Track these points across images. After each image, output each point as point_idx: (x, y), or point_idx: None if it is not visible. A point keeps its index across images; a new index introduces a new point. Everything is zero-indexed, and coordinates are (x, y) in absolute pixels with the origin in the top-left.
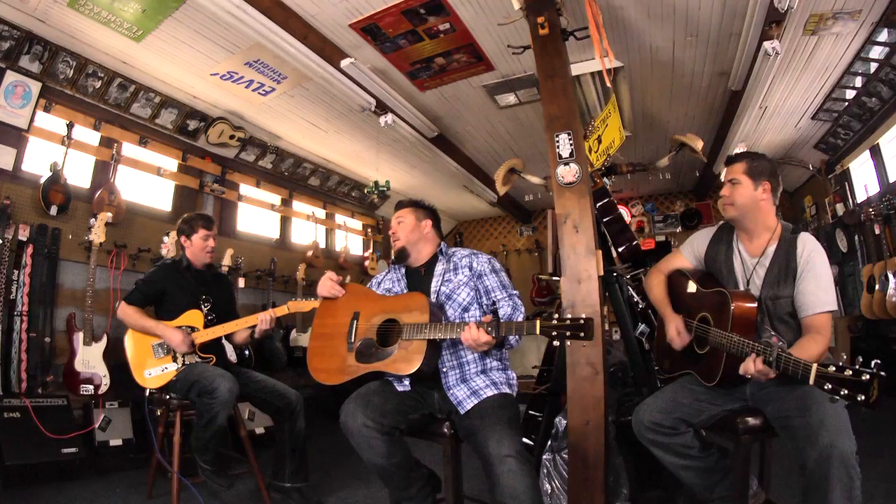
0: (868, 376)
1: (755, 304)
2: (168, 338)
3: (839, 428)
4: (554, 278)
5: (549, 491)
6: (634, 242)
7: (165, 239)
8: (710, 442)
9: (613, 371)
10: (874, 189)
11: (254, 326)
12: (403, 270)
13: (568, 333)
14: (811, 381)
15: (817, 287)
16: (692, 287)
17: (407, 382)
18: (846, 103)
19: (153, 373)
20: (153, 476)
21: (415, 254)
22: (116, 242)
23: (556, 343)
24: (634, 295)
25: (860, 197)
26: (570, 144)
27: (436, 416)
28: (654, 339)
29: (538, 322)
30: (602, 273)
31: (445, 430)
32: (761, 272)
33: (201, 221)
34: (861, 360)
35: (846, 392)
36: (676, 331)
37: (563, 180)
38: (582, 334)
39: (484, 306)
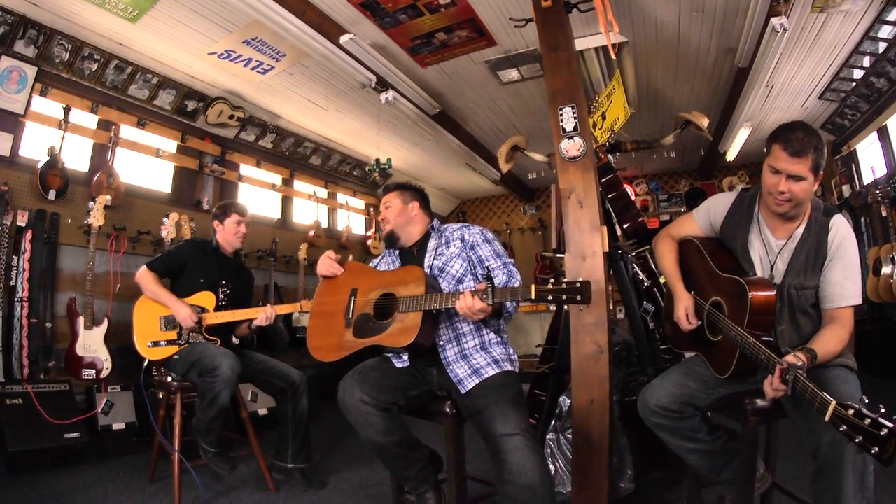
0: (886, 431)
1: (774, 294)
2: (176, 310)
3: None
4: (558, 255)
5: (553, 472)
6: (640, 219)
7: (165, 220)
8: (717, 424)
9: (618, 350)
10: (881, 171)
11: (251, 321)
12: (398, 252)
13: (564, 297)
14: (827, 418)
15: (845, 278)
16: (703, 261)
17: (405, 358)
18: (854, 83)
19: (156, 344)
20: (155, 459)
21: (405, 236)
22: (116, 225)
23: (552, 307)
24: (640, 273)
25: (867, 179)
26: (574, 118)
27: (436, 394)
28: (659, 317)
29: (533, 287)
30: (607, 250)
31: (447, 409)
32: (786, 256)
33: (235, 207)
34: (883, 410)
35: (860, 440)
36: (685, 312)
37: (566, 154)
38: (579, 297)
39: (479, 277)
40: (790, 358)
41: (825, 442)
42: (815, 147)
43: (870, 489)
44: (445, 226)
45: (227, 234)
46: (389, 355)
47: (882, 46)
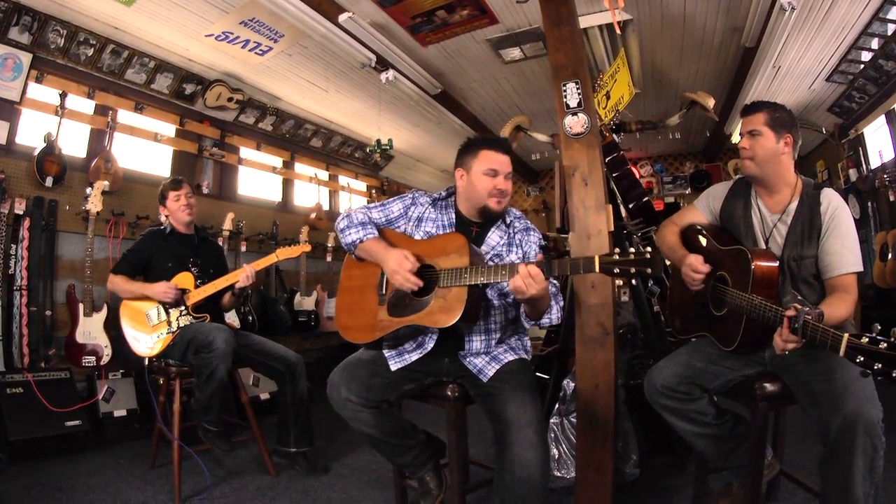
0: None
1: (776, 264)
2: (153, 292)
3: (865, 394)
4: (562, 236)
5: (557, 456)
6: (645, 199)
7: None
8: (725, 409)
9: (623, 333)
10: (889, 155)
11: (233, 285)
12: (454, 217)
13: (633, 270)
14: (841, 353)
15: (843, 246)
16: (706, 241)
17: (409, 357)
18: (862, 66)
19: (150, 342)
20: (156, 446)
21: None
22: (114, 211)
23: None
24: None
25: (874, 163)
26: (578, 94)
27: (441, 380)
28: (664, 299)
29: (597, 258)
30: (612, 229)
31: (450, 392)
32: (783, 230)
33: (169, 185)
34: None
35: (880, 366)
36: (696, 259)
37: (570, 131)
38: (649, 270)
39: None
40: (797, 305)
41: (835, 427)
42: (769, 106)
43: (879, 474)
44: (513, 215)
45: (174, 213)
46: (386, 352)
47: (891, 28)
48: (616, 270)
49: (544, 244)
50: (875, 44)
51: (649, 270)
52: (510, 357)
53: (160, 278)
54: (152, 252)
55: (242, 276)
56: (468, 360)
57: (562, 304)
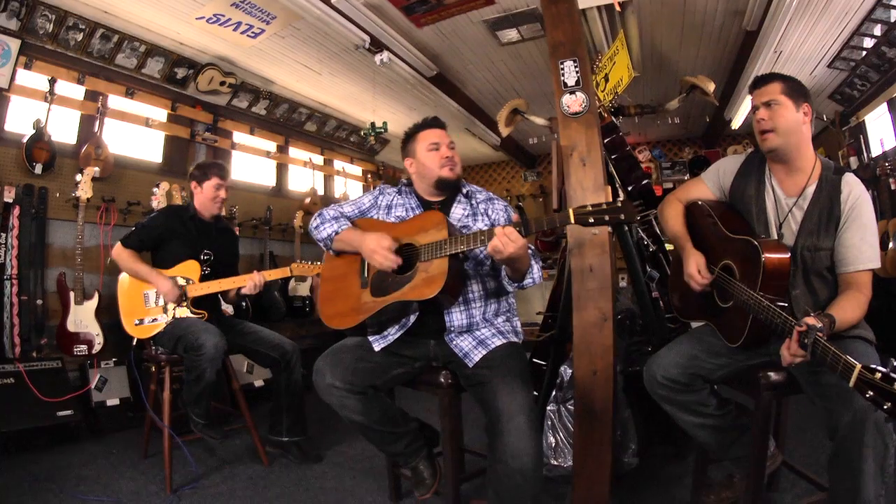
0: None
1: (788, 257)
2: (157, 285)
3: None
4: None
5: (554, 444)
6: (645, 181)
7: (155, 190)
8: (727, 399)
9: (621, 319)
10: (890, 143)
11: (239, 289)
12: (417, 200)
13: (607, 218)
14: (851, 384)
15: (862, 240)
16: (713, 224)
17: (391, 335)
18: (864, 52)
19: (142, 322)
20: (148, 435)
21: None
22: (104, 197)
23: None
24: (645, 238)
25: (875, 151)
26: (576, 72)
27: (431, 365)
28: (663, 285)
29: (571, 211)
30: None
31: (443, 379)
32: (798, 215)
33: (216, 169)
34: None
35: (889, 406)
36: (697, 268)
37: (568, 110)
38: (622, 216)
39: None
40: (809, 319)
41: (844, 423)
42: (781, 78)
43: (890, 474)
44: (471, 189)
45: (205, 199)
46: (371, 337)
47: (895, 15)
48: (591, 220)
49: (519, 205)
50: (878, 30)
51: (622, 216)
52: (498, 341)
53: (168, 260)
54: (167, 232)
55: (250, 284)
56: (454, 342)
57: (540, 264)
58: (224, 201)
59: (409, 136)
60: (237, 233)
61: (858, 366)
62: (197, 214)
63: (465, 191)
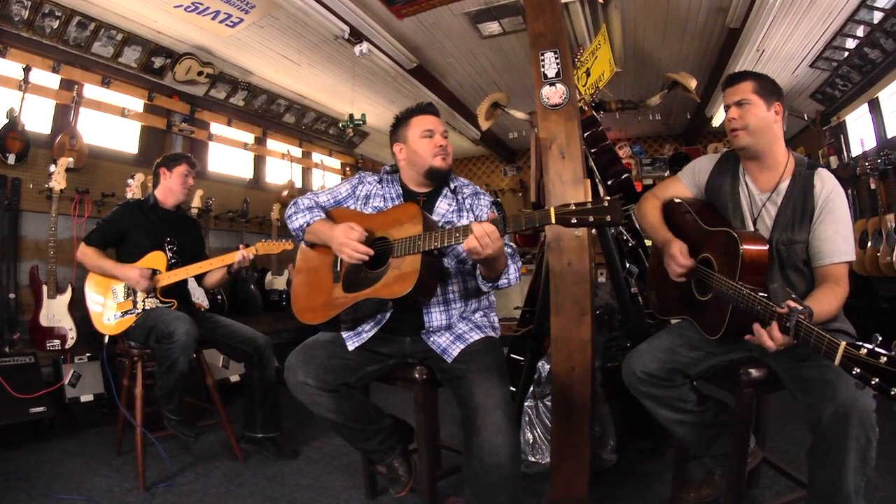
0: None
1: (766, 248)
2: (125, 276)
3: None
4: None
5: (532, 440)
6: (625, 175)
7: (130, 181)
8: (707, 395)
9: (600, 314)
10: (870, 143)
11: (230, 265)
12: (400, 189)
13: (591, 219)
14: (836, 362)
15: (836, 233)
16: (690, 219)
17: (365, 334)
18: (847, 53)
19: (112, 318)
20: (121, 431)
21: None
22: (79, 188)
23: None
24: (624, 233)
25: (855, 151)
26: (557, 64)
27: (406, 361)
28: (643, 280)
29: (552, 210)
30: None
31: (418, 374)
32: (772, 210)
33: (186, 159)
34: None
35: (877, 381)
36: (679, 251)
37: (548, 102)
38: (608, 218)
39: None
40: (790, 302)
41: (827, 415)
42: (753, 76)
43: (871, 466)
44: (458, 182)
45: (174, 184)
46: (345, 334)
47: (878, 16)
48: (573, 220)
49: (497, 200)
50: (861, 31)
51: (608, 219)
52: (476, 336)
53: (133, 254)
54: (129, 225)
55: (239, 254)
56: (431, 339)
57: (519, 265)
58: (191, 190)
59: (402, 120)
60: (205, 224)
61: (843, 343)
62: (158, 203)
63: (452, 185)
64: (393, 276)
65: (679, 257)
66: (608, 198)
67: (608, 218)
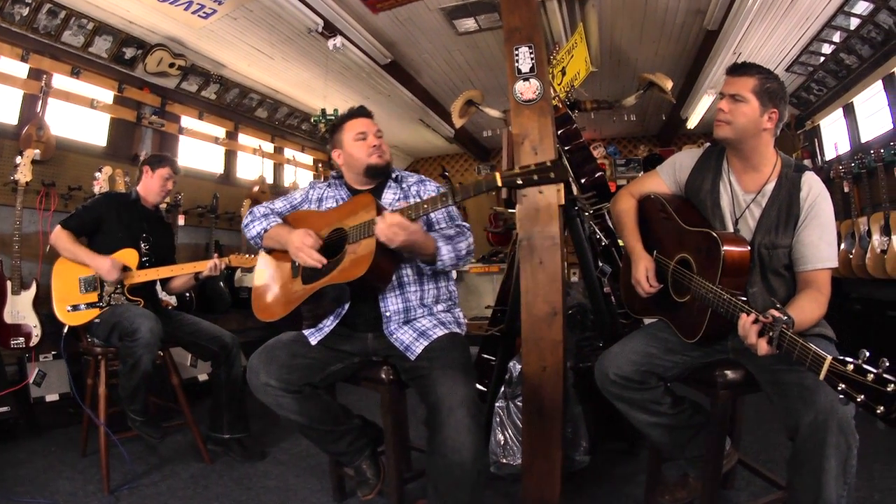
0: (893, 387)
1: (748, 250)
2: (96, 265)
3: None
4: (509, 210)
5: (503, 441)
6: (598, 174)
7: (98, 175)
8: (682, 396)
9: (572, 314)
10: (844, 147)
11: (199, 272)
12: (347, 190)
13: (536, 178)
14: (821, 376)
15: (821, 239)
16: (668, 217)
17: (326, 329)
18: (823, 58)
19: (74, 308)
20: (86, 432)
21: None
22: (45, 181)
23: (503, 266)
24: (598, 231)
25: (829, 155)
26: (531, 59)
27: (371, 360)
28: (616, 278)
29: (498, 174)
30: (563, 203)
31: (384, 375)
32: (756, 212)
33: (170, 162)
34: (887, 364)
35: (863, 398)
36: (645, 274)
37: (521, 97)
38: (552, 175)
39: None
40: (774, 312)
41: (806, 423)
42: (760, 73)
43: (852, 474)
44: (401, 173)
45: (154, 185)
46: (307, 331)
47: (855, 23)
48: (519, 182)
49: (445, 174)
50: (837, 37)
51: (552, 175)
52: (440, 332)
53: (106, 245)
54: (107, 215)
55: (212, 262)
56: (394, 336)
57: (461, 246)
58: (168, 194)
59: (336, 126)
60: (180, 220)
61: (829, 358)
62: (140, 200)
63: (394, 175)
64: (349, 261)
65: (644, 284)
66: (551, 159)
67: (552, 175)
